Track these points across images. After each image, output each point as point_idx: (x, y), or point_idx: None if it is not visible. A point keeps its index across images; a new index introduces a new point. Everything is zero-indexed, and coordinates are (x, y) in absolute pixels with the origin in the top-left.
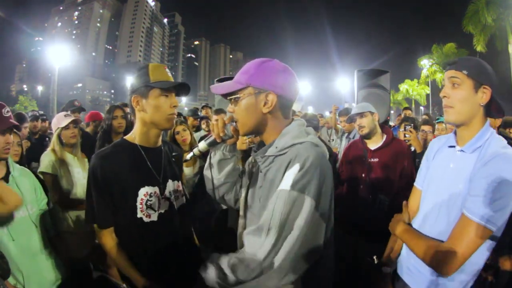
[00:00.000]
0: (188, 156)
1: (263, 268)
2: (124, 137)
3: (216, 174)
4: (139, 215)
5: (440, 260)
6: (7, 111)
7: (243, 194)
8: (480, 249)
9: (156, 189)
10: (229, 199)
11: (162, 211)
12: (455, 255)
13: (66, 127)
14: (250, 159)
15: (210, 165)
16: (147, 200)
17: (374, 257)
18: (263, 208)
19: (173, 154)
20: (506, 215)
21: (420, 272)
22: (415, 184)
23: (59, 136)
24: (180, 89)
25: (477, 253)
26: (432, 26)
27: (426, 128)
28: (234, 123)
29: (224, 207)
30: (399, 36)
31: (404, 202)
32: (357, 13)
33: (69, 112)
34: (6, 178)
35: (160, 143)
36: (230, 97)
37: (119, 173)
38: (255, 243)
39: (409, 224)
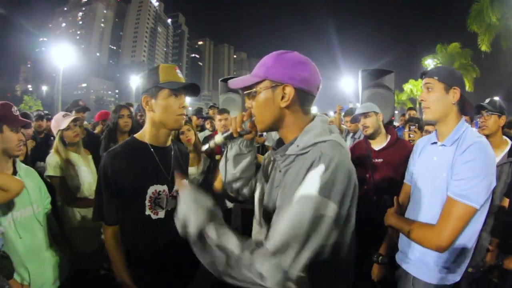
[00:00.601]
0: (204, 148)
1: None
2: (134, 136)
3: (231, 169)
4: (147, 212)
5: (433, 239)
6: (16, 110)
7: (258, 193)
8: (470, 229)
9: (165, 187)
10: (244, 193)
11: (169, 209)
12: (445, 233)
13: (67, 128)
14: (266, 156)
15: (226, 158)
16: (156, 198)
17: (380, 257)
18: (279, 209)
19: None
20: (486, 194)
21: (418, 259)
22: (404, 181)
23: (61, 138)
24: (189, 89)
25: (468, 232)
26: (436, 26)
27: (430, 128)
28: (253, 119)
29: (229, 206)
30: (403, 36)
31: (395, 197)
32: (360, 12)
33: (72, 112)
34: None
35: (169, 142)
36: (247, 92)
37: (129, 172)
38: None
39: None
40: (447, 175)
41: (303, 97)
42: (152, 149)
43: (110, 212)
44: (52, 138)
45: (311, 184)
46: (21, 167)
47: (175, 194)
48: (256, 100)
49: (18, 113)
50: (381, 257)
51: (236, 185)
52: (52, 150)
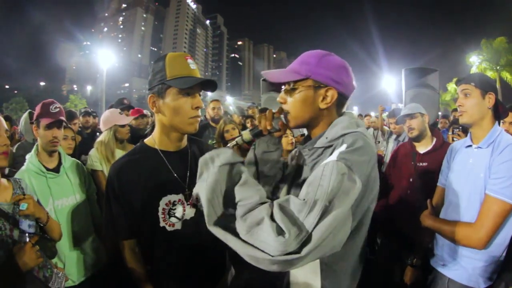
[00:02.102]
0: (231, 144)
1: (292, 245)
2: (144, 141)
3: (258, 166)
4: (161, 224)
5: (472, 235)
6: (55, 107)
7: (284, 189)
8: (503, 232)
9: (180, 196)
10: (267, 191)
11: (187, 218)
12: (484, 229)
13: (123, 125)
14: (293, 152)
15: (254, 156)
16: (170, 209)
17: (414, 259)
18: None
19: (213, 143)
20: None
21: (454, 260)
22: (438, 184)
23: (115, 132)
24: (207, 83)
25: (501, 235)
26: (480, 18)
27: None
28: (283, 117)
29: None
30: (445, 31)
31: (428, 200)
32: (402, 8)
33: (122, 112)
34: (57, 169)
35: (185, 144)
36: (286, 87)
37: (138, 184)
38: (293, 215)
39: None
40: (485, 175)
41: (341, 100)
42: (163, 156)
43: (123, 226)
44: (98, 134)
45: (334, 155)
46: (67, 159)
47: (194, 202)
48: (294, 97)
49: (57, 110)
50: (415, 259)
51: (261, 182)
52: (95, 144)
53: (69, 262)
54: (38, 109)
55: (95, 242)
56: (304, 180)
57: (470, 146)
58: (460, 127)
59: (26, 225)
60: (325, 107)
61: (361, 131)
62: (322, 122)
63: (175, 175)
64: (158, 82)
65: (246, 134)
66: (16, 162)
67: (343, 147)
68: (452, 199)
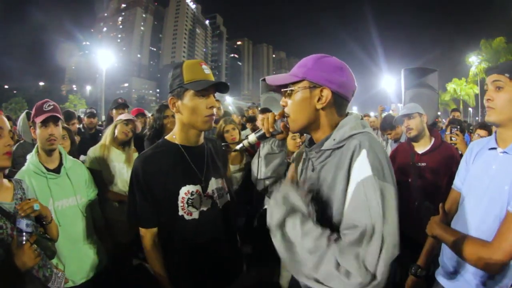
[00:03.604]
0: (238, 146)
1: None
2: (165, 137)
3: (263, 167)
4: (180, 213)
5: (485, 258)
6: (49, 105)
7: None
8: None
9: (198, 187)
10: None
11: (204, 209)
12: (500, 252)
13: (126, 123)
14: (295, 155)
15: (259, 157)
16: (188, 198)
17: (418, 269)
18: (325, 206)
19: (223, 144)
20: None
21: (461, 276)
22: (453, 186)
23: (114, 128)
24: (220, 85)
25: None
26: (480, 19)
27: (482, 133)
28: (285, 119)
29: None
30: (446, 32)
31: (441, 204)
32: (401, 8)
33: (113, 111)
34: (58, 170)
35: (202, 141)
36: (284, 90)
37: (160, 174)
38: (354, 256)
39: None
40: (510, 188)
41: (339, 101)
42: (183, 150)
43: (146, 215)
44: (100, 134)
45: (364, 168)
46: (68, 159)
47: (210, 194)
48: (293, 98)
49: (50, 108)
50: (419, 269)
51: (266, 183)
52: (98, 144)
53: (69, 263)
54: (33, 111)
55: (95, 244)
56: (311, 183)
57: (494, 148)
58: (458, 127)
59: (23, 224)
60: (321, 107)
61: (368, 131)
62: (322, 124)
63: (194, 167)
64: (177, 86)
65: (252, 137)
66: (16, 162)
67: (363, 154)
68: (467, 208)
